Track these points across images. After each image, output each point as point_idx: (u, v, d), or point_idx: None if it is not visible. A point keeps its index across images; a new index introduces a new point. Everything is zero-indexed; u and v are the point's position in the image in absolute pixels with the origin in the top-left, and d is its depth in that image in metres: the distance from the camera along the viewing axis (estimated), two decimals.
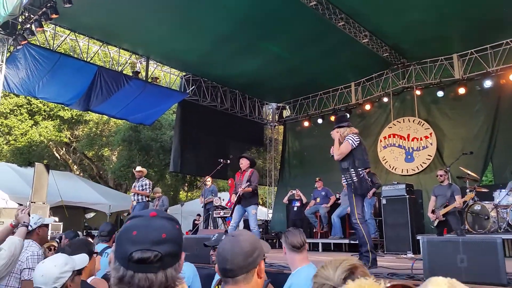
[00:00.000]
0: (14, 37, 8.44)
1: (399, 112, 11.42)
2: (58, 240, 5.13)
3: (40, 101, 16.68)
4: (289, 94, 13.77)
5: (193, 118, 12.40)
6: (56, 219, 10.12)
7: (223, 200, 10.56)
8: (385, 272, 4.15)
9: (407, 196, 7.95)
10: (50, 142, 18.85)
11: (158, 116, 13.39)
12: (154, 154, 18.61)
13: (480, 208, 7.64)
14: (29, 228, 3.38)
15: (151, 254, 1.02)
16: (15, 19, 8.20)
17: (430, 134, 10.59)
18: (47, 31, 9.66)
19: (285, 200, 11.31)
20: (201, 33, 9.45)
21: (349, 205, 4.96)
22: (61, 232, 8.91)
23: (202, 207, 10.52)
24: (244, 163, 6.82)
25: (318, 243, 9.71)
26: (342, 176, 4.93)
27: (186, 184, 23.18)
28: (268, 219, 13.88)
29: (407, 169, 10.87)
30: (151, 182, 9.24)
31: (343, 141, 4.87)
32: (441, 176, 7.19)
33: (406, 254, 7.20)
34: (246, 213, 6.78)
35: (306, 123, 13.58)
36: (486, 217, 7.52)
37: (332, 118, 12.08)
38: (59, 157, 20.82)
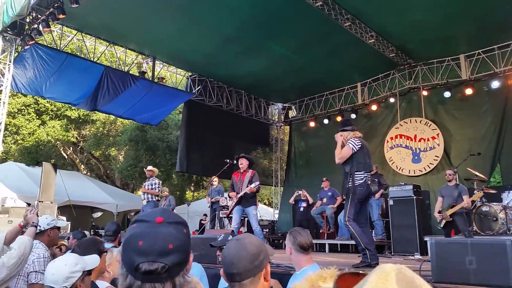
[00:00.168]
0: (21, 37, 8.52)
1: (406, 113, 11.37)
2: (66, 239, 5.16)
3: (47, 101, 16.81)
4: (295, 94, 13.75)
5: (199, 118, 12.43)
6: (64, 218, 10.18)
7: (229, 200, 10.57)
8: None
9: (414, 197, 7.92)
10: (58, 142, 18.97)
11: (164, 116, 13.43)
12: (160, 154, 18.67)
13: (488, 210, 7.57)
14: (41, 228, 3.38)
15: (158, 265, 1.01)
16: (22, 20, 8.28)
17: (437, 134, 10.53)
18: (54, 31, 9.71)
19: (291, 200, 11.29)
20: (207, 33, 9.47)
21: (344, 206, 5.11)
22: (68, 231, 8.96)
23: (209, 207, 10.56)
24: (244, 163, 6.76)
25: (325, 244, 9.67)
26: (345, 179, 5.08)
27: (193, 184, 23.24)
28: (274, 219, 13.86)
29: (414, 170, 10.82)
30: (160, 182, 9.32)
31: (346, 144, 4.99)
32: (450, 175, 7.16)
33: (413, 256, 7.16)
34: (245, 213, 6.76)
35: (312, 124, 13.56)
36: (494, 218, 7.45)
37: (339, 118, 12.09)
38: (66, 157, 20.95)
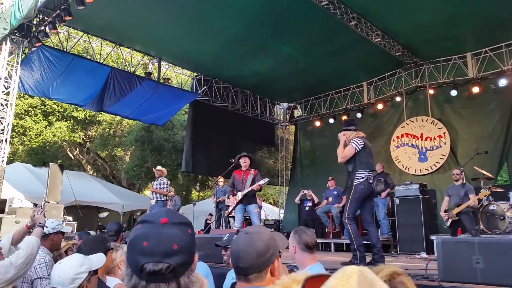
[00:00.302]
0: (28, 39, 8.58)
1: (412, 112, 11.31)
2: (73, 240, 5.18)
3: (54, 102, 16.89)
4: (300, 94, 13.73)
5: (204, 118, 12.47)
6: (71, 218, 10.24)
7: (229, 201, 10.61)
8: None
9: (421, 196, 7.87)
10: (64, 143, 19.08)
11: (170, 116, 13.48)
12: (166, 154, 18.72)
13: (495, 208, 7.50)
14: (45, 232, 3.37)
15: (162, 266, 1.02)
16: (29, 22, 8.34)
17: (444, 133, 10.46)
18: (60, 33, 9.78)
19: (297, 200, 11.27)
20: (213, 33, 9.48)
21: (345, 204, 5.27)
22: (75, 231, 9.02)
23: (214, 206, 10.58)
24: (247, 162, 6.84)
25: (330, 243, 9.64)
26: (348, 178, 5.19)
27: (198, 184, 23.29)
28: (280, 219, 13.87)
29: (420, 169, 10.76)
30: (168, 182, 9.34)
31: (349, 144, 5.08)
32: (457, 174, 7.13)
33: (419, 255, 7.13)
34: (246, 211, 6.83)
35: (317, 123, 13.54)
36: (501, 217, 7.38)
37: (344, 118, 12.04)
38: (72, 157, 21.07)
